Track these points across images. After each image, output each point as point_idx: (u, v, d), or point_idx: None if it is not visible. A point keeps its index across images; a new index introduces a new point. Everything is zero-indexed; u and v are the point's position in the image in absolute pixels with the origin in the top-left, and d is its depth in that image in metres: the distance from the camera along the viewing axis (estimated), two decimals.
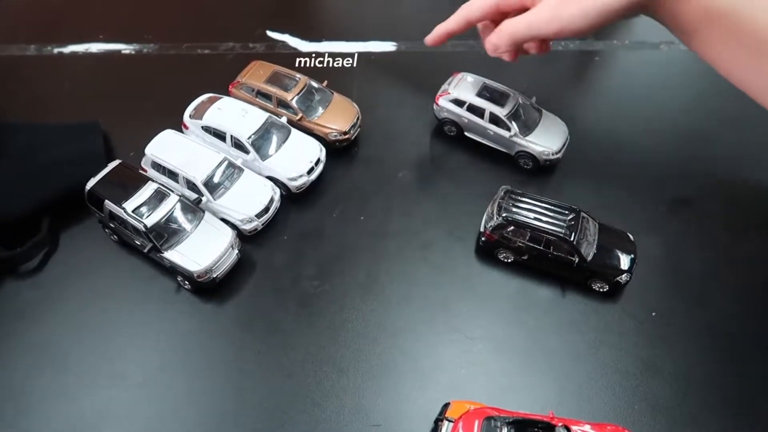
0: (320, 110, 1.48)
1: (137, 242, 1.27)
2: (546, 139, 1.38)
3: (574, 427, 0.94)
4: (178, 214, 1.27)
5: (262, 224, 1.34)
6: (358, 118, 1.49)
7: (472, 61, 1.59)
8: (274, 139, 1.41)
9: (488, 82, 1.44)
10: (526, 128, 1.40)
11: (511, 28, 1.14)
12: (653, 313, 1.24)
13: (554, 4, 1.11)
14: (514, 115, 1.40)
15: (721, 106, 1.59)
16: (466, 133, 1.46)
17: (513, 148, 1.40)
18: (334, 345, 1.21)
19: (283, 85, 1.48)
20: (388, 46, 1.75)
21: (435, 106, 1.45)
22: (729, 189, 1.41)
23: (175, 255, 1.24)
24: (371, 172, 1.48)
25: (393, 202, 1.42)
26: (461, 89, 1.44)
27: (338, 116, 1.47)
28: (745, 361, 1.17)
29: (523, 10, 1.15)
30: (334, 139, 1.46)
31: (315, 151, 1.42)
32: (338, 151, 1.49)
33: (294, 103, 1.46)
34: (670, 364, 1.18)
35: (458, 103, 1.43)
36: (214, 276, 1.25)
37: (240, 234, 1.33)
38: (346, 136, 1.47)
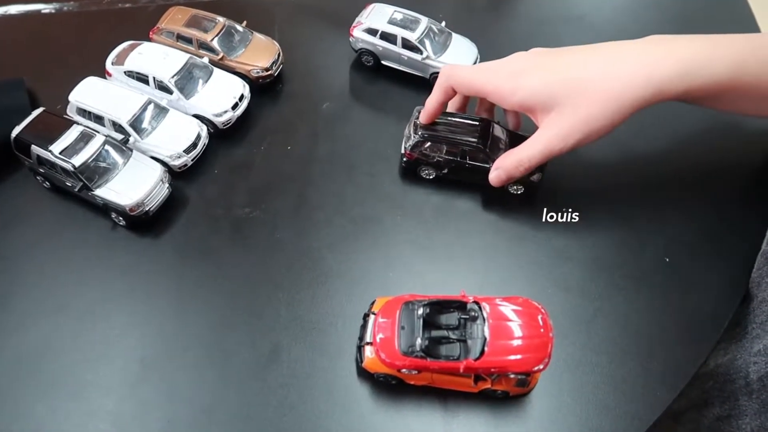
0: (241, 49, 1.52)
1: (68, 184, 1.30)
2: (457, 59, 1.44)
3: (483, 303, 1.03)
4: (106, 154, 1.31)
5: (192, 160, 1.39)
6: (279, 55, 1.54)
7: None
8: (197, 78, 1.45)
9: (399, 9, 1.50)
10: (438, 50, 1.46)
11: (527, 158, 1.14)
12: (564, 209, 1.32)
13: (567, 121, 1.08)
14: (424, 39, 1.46)
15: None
16: (382, 62, 1.50)
17: (427, 71, 1.46)
18: (268, 263, 1.27)
19: (203, 27, 1.51)
20: None
21: (350, 38, 1.50)
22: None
23: (106, 192, 1.28)
24: (296, 105, 1.54)
25: (318, 130, 1.48)
26: (373, 19, 1.49)
27: (259, 54, 1.52)
28: (644, 241, 1.27)
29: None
30: (256, 75, 1.51)
31: (238, 87, 1.46)
32: (263, 87, 1.54)
33: (214, 44, 1.50)
34: (581, 252, 1.27)
35: (371, 32, 1.48)
36: (147, 209, 1.29)
37: (171, 171, 1.37)
38: (269, 72, 1.52)
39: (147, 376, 1.14)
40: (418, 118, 1.33)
